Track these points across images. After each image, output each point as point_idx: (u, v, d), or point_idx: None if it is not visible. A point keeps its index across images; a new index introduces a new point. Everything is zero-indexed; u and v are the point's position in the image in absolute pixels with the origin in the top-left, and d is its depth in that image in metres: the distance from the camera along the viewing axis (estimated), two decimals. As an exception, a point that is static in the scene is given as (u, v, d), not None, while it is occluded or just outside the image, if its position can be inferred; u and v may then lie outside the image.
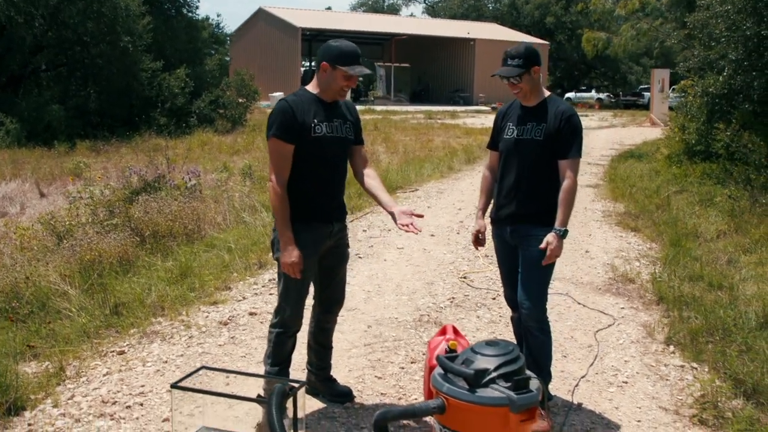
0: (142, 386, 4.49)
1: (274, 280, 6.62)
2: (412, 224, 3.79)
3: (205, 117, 25.67)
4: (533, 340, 4.15)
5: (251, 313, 5.88)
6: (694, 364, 4.97)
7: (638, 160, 17.06)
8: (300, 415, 3.61)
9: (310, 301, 4.19)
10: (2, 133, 20.05)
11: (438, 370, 3.25)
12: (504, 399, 3.02)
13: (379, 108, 39.90)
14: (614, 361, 5.06)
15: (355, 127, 4.10)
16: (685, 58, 15.27)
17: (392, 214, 3.89)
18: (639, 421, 4.17)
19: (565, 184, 4.02)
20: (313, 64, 58.85)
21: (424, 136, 23.26)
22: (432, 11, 79.14)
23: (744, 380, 4.46)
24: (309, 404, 4.18)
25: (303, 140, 3.83)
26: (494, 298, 6.35)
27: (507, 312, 4.56)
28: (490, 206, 4.43)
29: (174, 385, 3.65)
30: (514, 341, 4.42)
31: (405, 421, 4.03)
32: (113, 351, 5.04)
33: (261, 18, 53.96)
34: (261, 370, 4.34)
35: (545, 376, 4.18)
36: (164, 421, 4.01)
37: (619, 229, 9.63)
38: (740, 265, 7.30)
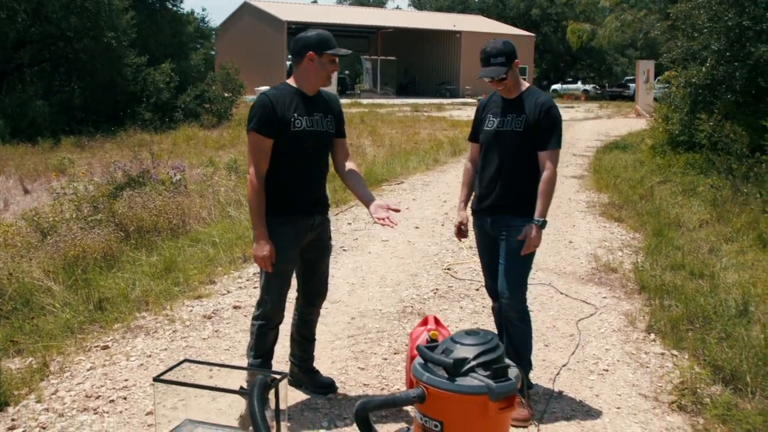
0: (126, 380, 4.50)
1: (258, 273, 6.63)
2: (388, 218, 3.81)
3: (191, 112, 25.58)
4: (513, 329, 4.18)
5: (235, 307, 5.90)
6: (675, 352, 5.03)
7: (623, 151, 17.16)
8: (282, 406, 3.64)
9: (293, 294, 4.21)
10: (-14, 129, 19.94)
11: (418, 359, 3.28)
12: (483, 387, 3.05)
13: (365, 101, 39.89)
14: (595, 349, 5.11)
15: (336, 120, 4.10)
16: (669, 49, 15.32)
17: (369, 208, 3.91)
18: (619, 408, 4.22)
19: (545, 174, 4.06)
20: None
21: (411, 129, 23.28)
22: (418, 4, 79.13)
23: (722, 367, 4.52)
24: (292, 396, 4.21)
25: (282, 134, 3.84)
26: (477, 289, 6.39)
27: (490, 302, 4.59)
28: (472, 197, 4.46)
29: (156, 379, 3.67)
30: (496, 331, 4.47)
31: (386, 411, 4.06)
32: (97, 346, 5.05)
33: (246, 12, 53.80)
34: (245, 362, 4.37)
35: (525, 365, 4.22)
36: (148, 414, 4.03)
37: (602, 219, 9.69)
38: (721, 254, 7.37)
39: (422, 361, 3.24)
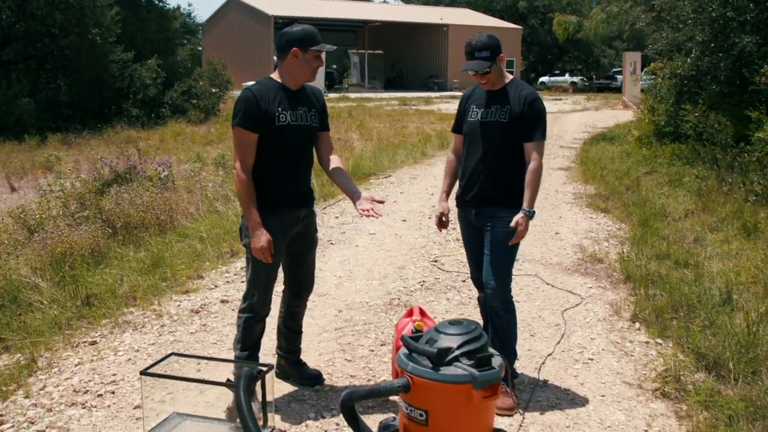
0: (114, 375, 4.52)
1: (245, 267, 6.65)
2: (372, 209, 3.84)
3: (178, 107, 25.52)
4: (498, 319, 4.22)
5: (223, 301, 5.91)
6: (659, 340, 5.08)
7: (610, 143, 17.24)
8: (269, 398, 3.67)
9: (280, 287, 4.24)
10: (-28, 127, 19.85)
11: (403, 350, 3.31)
12: (467, 376, 3.08)
13: (353, 95, 39.84)
14: (581, 338, 5.16)
15: (320, 114, 4.12)
16: (655, 41, 15.38)
17: (353, 200, 3.94)
18: (603, 396, 4.27)
19: (532, 165, 4.10)
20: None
21: (399, 123, 23.29)
22: (405, -3, 79.02)
23: (706, 354, 4.57)
24: (279, 387, 4.24)
25: (267, 129, 3.86)
26: (464, 281, 6.43)
27: (476, 293, 4.63)
28: (455, 189, 4.49)
29: (144, 372, 3.69)
30: (482, 321, 4.50)
31: (373, 402, 4.10)
32: (85, 341, 5.06)
33: (233, 7, 53.61)
34: (232, 356, 4.39)
35: (510, 355, 4.25)
36: (136, 408, 4.05)
37: (589, 210, 9.75)
38: (706, 243, 7.43)
39: (407, 351, 3.28)
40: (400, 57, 56.90)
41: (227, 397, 3.89)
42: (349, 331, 5.30)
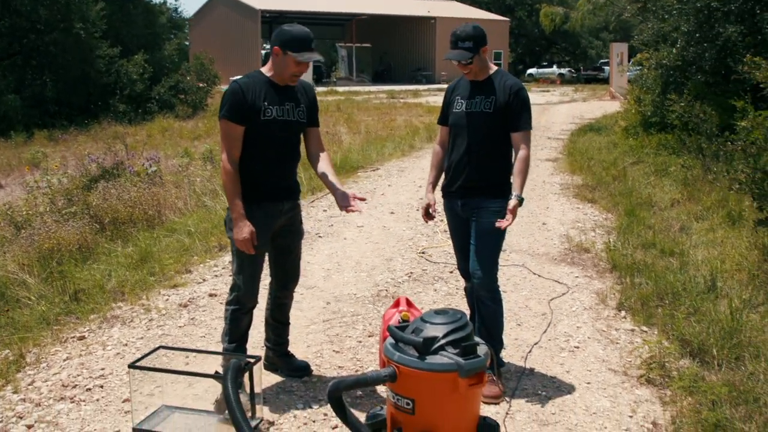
0: (102, 369, 4.53)
1: (231, 260, 6.67)
2: (352, 206, 3.89)
3: (165, 103, 25.44)
4: (485, 309, 4.25)
5: (211, 295, 5.93)
6: (644, 328, 5.13)
7: (597, 134, 17.30)
8: (257, 389, 3.70)
9: (267, 279, 4.26)
10: (-43, 124, 19.75)
11: (389, 340, 3.34)
12: (452, 365, 3.11)
13: (341, 89, 39.78)
14: (567, 327, 5.20)
15: (309, 110, 4.12)
16: (641, 32, 15.44)
17: (335, 196, 3.97)
18: (589, 383, 4.31)
19: (520, 154, 4.13)
20: (273, 46, 58.42)
21: (387, 116, 23.29)
22: (392, -10, 78.78)
23: (690, 341, 4.62)
24: (267, 379, 4.26)
25: (253, 122, 3.88)
26: (451, 272, 6.46)
27: (463, 284, 4.67)
28: (441, 180, 4.51)
29: (132, 365, 3.71)
30: (469, 311, 4.54)
31: (362, 392, 4.13)
32: (73, 336, 5.07)
33: (220, 1, 53.38)
34: (220, 348, 4.42)
35: (497, 344, 4.29)
36: (124, 401, 4.06)
37: (576, 201, 9.80)
38: (692, 232, 7.49)
39: (393, 341, 3.30)
40: (388, 50, 56.82)
41: (215, 389, 3.92)
42: (337, 322, 5.33)
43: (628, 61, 29.68)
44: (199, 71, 28.33)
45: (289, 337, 4.48)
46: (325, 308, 5.64)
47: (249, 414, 3.58)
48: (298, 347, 4.71)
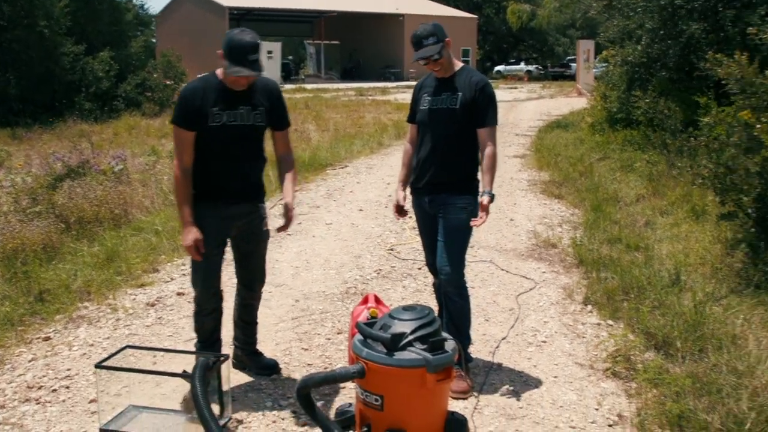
0: (68, 370, 4.48)
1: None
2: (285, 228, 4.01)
3: (132, 100, 25.14)
4: (452, 305, 4.27)
5: (179, 294, 5.89)
6: (610, 322, 5.19)
7: (564, 130, 17.45)
8: (225, 388, 3.69)
9: (234, 279, 4.25)
10: None
11: (358, 336, 3.36)
12: (420, 360, 3.14)
13: (310, 86, 39.66)
14: (534, 322, 5.25)
15: (271, 112, 4.01)
16: (606, 29, 15.58)
17: (283, 207, 4.01)
18: (556, 377, 4.36)
19: (487, 150, 4.16)
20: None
21: (355, 113, 23.28)
22: (360, -13, 78.65)
23: (655, 334, 4.69)
24: (236, 378, 4.24)
25: (202, 128, 3.81)
26: (420, 269, 6.48)
27: (432, 280, 4.69)
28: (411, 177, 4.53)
29: (99, 365, 3.68)
30: (437, 307, 4.56)
31: (329, 389, 4.13)
32: (38, 337, 5.01)
33: (186, -2, 52.96)
34: (189, 348, 4.40)
35: (465, 340, 4.31)
36: (91, 402, 4.03)
37: (543, 197, 9.88)
38: (656, 227, 7.59)
39: (362, 337, 3.32)
40: (356, 47, 56.76)
41: (183, 388, 3.89)
42: (305, 320, 5.33)
43: (595, 58, 29.93)
44: (166, 68, 28.06)
45: (258, 336, 4.46)
46: (293, 306, 5.63)
47: (217, 413, 3.57)
48: (266, 345, 4.69)
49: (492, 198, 4.09)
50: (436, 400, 3.31)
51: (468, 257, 4.40)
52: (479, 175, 4.21)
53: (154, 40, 56.63)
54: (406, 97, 30.83)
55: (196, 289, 4.05)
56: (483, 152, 4.18)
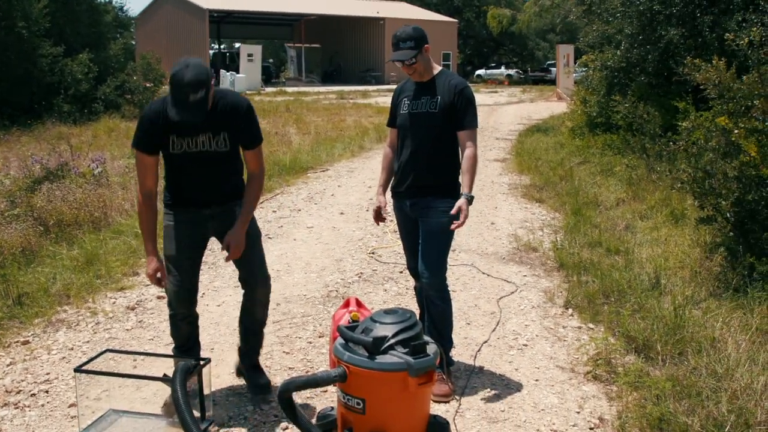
0: (48, 374, 4.45)
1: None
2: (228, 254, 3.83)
3: (111, 103, 24.95)
4: (434, 308, 4.28)
5: (159, 297, 5.85)
6: (591, 325, 5.22)
7: (544, 134, 17.53)
8: (207, 391, 3.67)
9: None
10: None
11: (339, 340, 3.35)
12: (402, 364, 3.14)
13: (290, 89, 39.61)
14: (515, 326, 5.27)
15: (236, 135, 3.80)
16: (586, 34, 15.69)
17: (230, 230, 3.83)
18: (537, 380, 4.38)
19: (467, 152, 4.17)
20: (222, 46, 57.91)
21: (336, 117, 23.26)
22: (341, -9, 78.63)
23: (635, 337, 4.72)
24: (217, 381, 4.23)
25: (164, 152, 3.75)
26: (401, 272, 6.49)
27: (413, 284, 4.70)
28: (392, 181, 4.53)
29: (78, 369, 3.65)
30: (418, 311, 4.57)
31: (311, 393, 4.12)
32: (17, 341, 4.96)
33: (166, 0, 52.71)
34: (170, 351, 4.36)
35: (447, 343, 4.33)
36: (71, 406, 4.00)
37: (524, 201, 9.93)
38: (636, 231, 7.64)
39: (343, 341, 3.31)
40: (337, 50, 56.73)
41: (164, 392, 3.87)
42: (287, 323, 5.32)
43: (574, 63, 30.13)
44: (146, 71, 27.91)
45: (260, 350, 4.28)
46: (275, 309, 5.61)
47: (198, 416, 3.55)
48: (248, 349, 4.67)
49: (470, 200, 4.09)
50: (418, 403, 3.31)
51: (449, 261, 4.41)
52: (461, 179, 4.22)
53: (133, 43, 56.32)
54: (387, 100, 30.83)
55: (168, 293, 4.00)
56: (463, 154, 4.19)
